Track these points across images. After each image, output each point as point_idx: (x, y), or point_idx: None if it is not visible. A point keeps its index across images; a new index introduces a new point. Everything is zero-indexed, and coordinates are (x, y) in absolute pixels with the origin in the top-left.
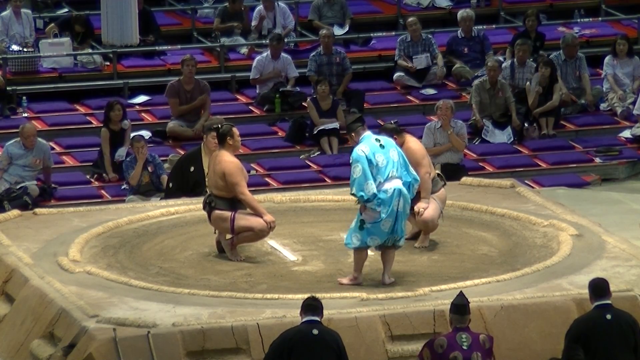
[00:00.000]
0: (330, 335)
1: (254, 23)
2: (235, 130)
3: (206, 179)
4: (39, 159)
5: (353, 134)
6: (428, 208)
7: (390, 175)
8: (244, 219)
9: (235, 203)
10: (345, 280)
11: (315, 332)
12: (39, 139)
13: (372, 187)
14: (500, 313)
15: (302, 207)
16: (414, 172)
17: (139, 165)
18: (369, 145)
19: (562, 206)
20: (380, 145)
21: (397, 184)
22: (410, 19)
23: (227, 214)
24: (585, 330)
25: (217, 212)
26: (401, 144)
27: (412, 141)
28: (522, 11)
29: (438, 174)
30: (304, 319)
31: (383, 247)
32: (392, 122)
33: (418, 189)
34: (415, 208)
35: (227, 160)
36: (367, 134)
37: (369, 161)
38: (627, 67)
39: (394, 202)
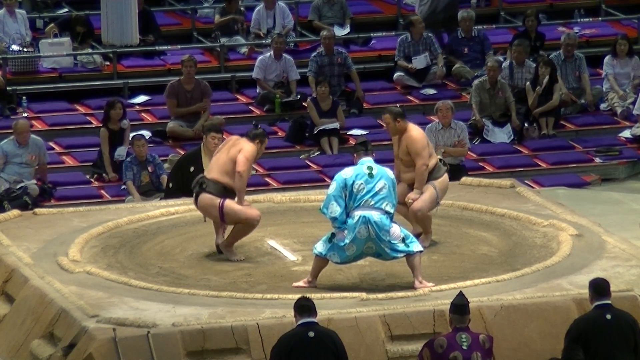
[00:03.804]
0: (327, 336)
1: (252, 25)
2: (266, 142)
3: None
4: (34, 155)
5: (355, 155)
6: (418, 199)
7: (362, 204)
8: (232, 208)
9: (227, 191)
10: (300, 283)
11: (311, 334)
12: (33, 135)
13: (335, 209)
14: (500, 313)
15: (302, 207)
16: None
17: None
18: (355, 171)
19: (562, 206)
20: (370, 174)
21: (366, 212)
22: (414, 17)
23: (216, 200)
24: (585, 330)
25: (207, 195)
26: (403, 130)
27: (414, 129)
28: (522, 11)
29: (440, 160)
30: (300, 322)
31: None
32: (397, 105)
33: (412, 179)
34: (405, 199)
35: (251, 150)
36: (365, 159)
37: (345, 186)
38: (627, 67)
39: (357, 229)
